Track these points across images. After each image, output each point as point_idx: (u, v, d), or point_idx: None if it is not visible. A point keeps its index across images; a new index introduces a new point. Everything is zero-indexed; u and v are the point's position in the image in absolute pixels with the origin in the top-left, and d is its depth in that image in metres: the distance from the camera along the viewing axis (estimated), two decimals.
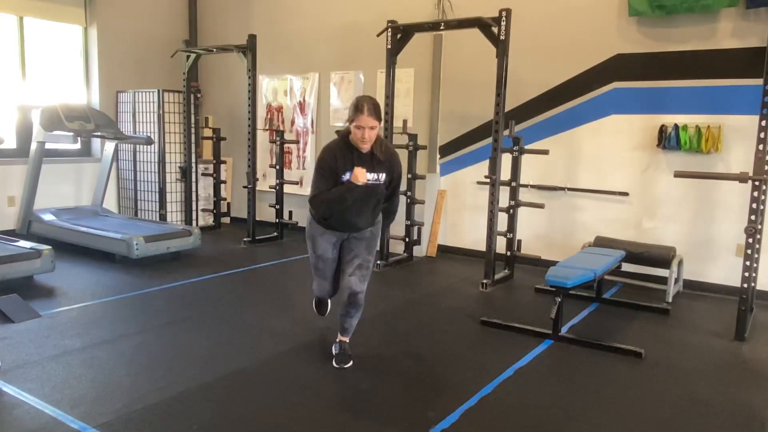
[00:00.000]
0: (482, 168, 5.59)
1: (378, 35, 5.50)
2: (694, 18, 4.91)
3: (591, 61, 5.40)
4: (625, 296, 4.84)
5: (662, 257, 4.86)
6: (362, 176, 3.03)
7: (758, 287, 4.47)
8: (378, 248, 3.51)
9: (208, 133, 7.45)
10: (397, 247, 5.99)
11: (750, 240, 3.81)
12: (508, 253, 5.36)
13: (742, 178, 3.78)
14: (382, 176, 3.19)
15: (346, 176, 3.08)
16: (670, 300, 4.68)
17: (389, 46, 5.47)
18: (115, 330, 3.80)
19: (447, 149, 6.28)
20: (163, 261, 5.62)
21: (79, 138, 6.31)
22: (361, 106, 3.03)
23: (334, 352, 3.39)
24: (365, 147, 3.09)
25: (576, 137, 5.55)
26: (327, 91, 7.03)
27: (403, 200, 5.86)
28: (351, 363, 3.33)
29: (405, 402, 2.93)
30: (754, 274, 4.01)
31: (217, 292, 4.78)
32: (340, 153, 3.11)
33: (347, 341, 3.41)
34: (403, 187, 5.84)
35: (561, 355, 3.61)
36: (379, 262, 5.63)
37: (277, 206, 6.86)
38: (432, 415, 2.78)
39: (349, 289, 3.25)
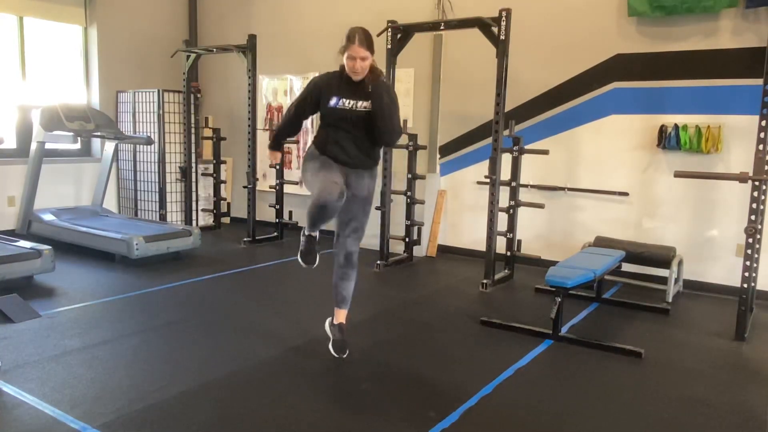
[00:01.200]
0: (482, 168, 5.59)
1: (378, 35, 5.44)
2: (694, 18, 4.91)
3: (591, 61, 5.40)
4: (625, 296, 4.84)
5: (662, 257, 4.86)
6: (275, 159, 3.59)
7: (758, 287, 4.47)
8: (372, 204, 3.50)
9: (208, 133, 7.45)
10: (397, 247, 5.99)
11: (750, 240, 3.81)
12: (508, 253, 5.36)
13: (742, 178, 3.78)
14: (362, 104, 3.18)
15: (332, 101, 3.18)
16: (670, 300, 4.68)
17: (389, 46, 5.47)
18: (115, 330, 3.80)
19: (447, 149, 6.28)
20: (163, 261, 5.62)
21: (79, 138, 6.32)
22: (352, 36, 3.09)
23: (331, 335, 3.39)
24: (357, 77, 3.16)
25: (576, 137, 5.55)
26: None
27: (403, 200, 5.87)
28: (347, 353, 3.34)
29: (405, 402, 2.93)
30: (754, 274, 4.01)
31: (217, 292, 4.78)
32: (331, 79, 3.23)
33: (344, 321, 3.43)
34: (403, 187, 5.87)
35: (561, 355, 3.61)
36: (379, 262, 5.63)
37: (277, 206, 6.86)
38: (432, 415, 2.78)
39: (345, 250, 3.36)
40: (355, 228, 3.37)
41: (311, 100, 3.26)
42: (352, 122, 3.21)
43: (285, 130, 3.48)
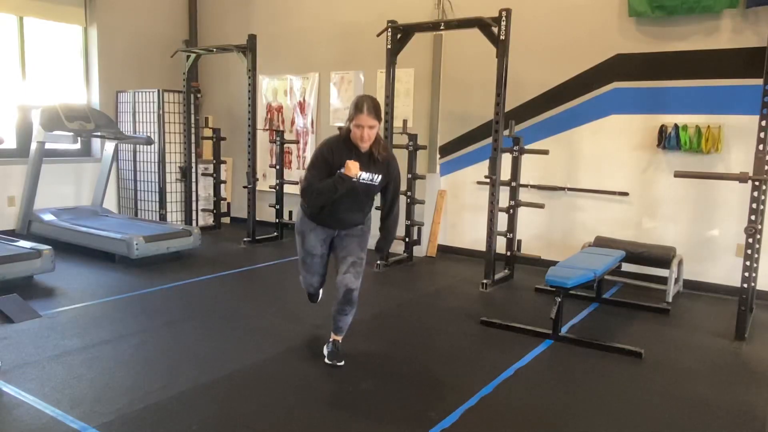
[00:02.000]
0: (482, 168, 5.59)
1: (378, 35, 5.50)
2: (694, 18, 4.91)
3: (591, 61, 5.40)
4: (625, 296, 4.84)
5: (662, 257, 4.86)
6: (355, 168, 3.02)
7: (758, 287, 4.48)
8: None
9: (208, 133, 7.45)
10: (397, 247, 5.99)
11: (750, 240, 3.81)
12: (508, 253, 5.36)
13: (742, 178, 3.78)
14: (378, 177, 3.18)
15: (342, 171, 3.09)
16: (670, 300, 4.68)
17: (389, 46, 5.47)
18: (115, 330, 3.80)
19: (447, 149, 6.28)
20: (163, 261, 5.62)
21: (79, 138, 6.32)
22: (360, 105, 3.04)
23: (325, 351, 3.39)
24: (364, 146, 3.10)
25: (576, 137, 5.55)
26: (327, 91, 7.03)
27: (403, 200, 5.87)
28: (343, 362, 3.33)
29: (405, 402, 2.93)
30: (754, 274, 4.01)
31: (217, 292, 4.78)
32: (338, 149, 3.12)
33: (340, 341, 3.41)
34: (403, 187, 5.86)
35: (561, 355, 3.61)
36: (378, 262, 5.63)
37: (277, 206, 6.86)
38: (432, 415, 2.78)
39: (344, 287, 3.24)
40: (353, 263, 3.28)
41: (326, 169, 3.09)
42: (355, 193, 3.16)
43: (323, 186, 3.10)
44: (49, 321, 3.93)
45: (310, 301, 3.85)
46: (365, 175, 3.13)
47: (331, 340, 3.41)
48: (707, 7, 4.73)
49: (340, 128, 3.53)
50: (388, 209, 3.35)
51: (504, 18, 4.76)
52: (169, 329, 3.86)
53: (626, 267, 5.05)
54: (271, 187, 7.00)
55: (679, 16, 4.94)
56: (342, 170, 3.05)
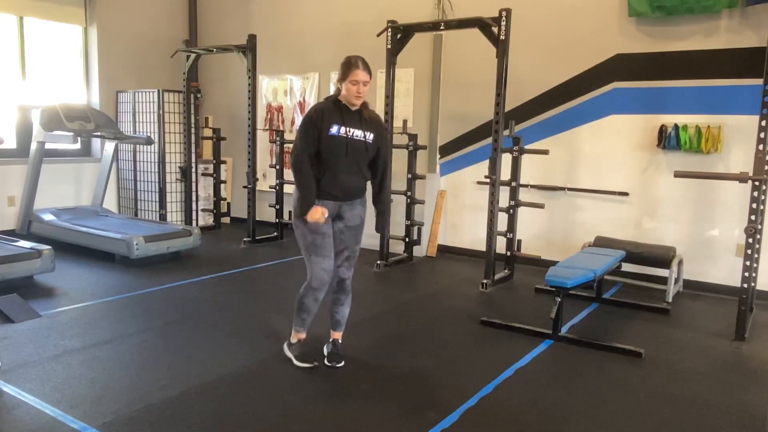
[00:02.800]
0: (482, 168, 5.59)
1: (378, 35, 5.50)
2: (694, 18, 4.91)
3: (591, 61, 5.40)
4: (625, 296, 4.84)
5: (662, 257, 4.86)
6: (320, 217, 3.06)
7: (758, 287, 4.48)
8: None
9: (208, 133, 7.45)
10: (397, 247, 5.99)
11: (750, 240, 3.81)
12: (508, 253, 5.36)
13: (742, 178, 3.78)
14: (371, 136, 3.20)
15: (333, 129, 3.08)
16: (670, 300, 4.68)
17: (389, 46, 5.47)
18: (115, 330, 3.80)
19: (447, 149, 6.28)
20: (163, 261, 5.62)
21: (79, 138, 6.32)
22: (355, 61, 3.15)
23: (325, 351, 3.39)
24: (358, 103, 3.14)
25: (576, 137, 5.55)
26: (327, 91, 7.03)
27: (403, 200, 5.88)
28: (343, 363, 3.32)
29: (405, 402, 2.93)
30: (754, 274, 4.01)
31: (217, 292, 4.78)
32: (327, 110, 3.13)
33: (340, 338, 3.41)
34: (403, 187, 5.87)
35: (561, 355, 3.61)
36: (378, 262, 5.63)
37: (277, 206, 6.86)
38: (432, 415, 2.78)
39: (337, 277, 3.29)
40: (347, 257, 3.30)
41: (315, 134, 3.07)
42: (351, 151, 3.14)
43: (304, 183, 3.09)
44: (49, 321, 3.93)
45: (316, 301, 3.28)
46: (358, 132, 3.15)
47: (330, 339, 3.42)
48: (707, 7, 4.73)
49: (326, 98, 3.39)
50: (380, 181, 3.33)
51: (504, 18, 4.76)
52: (169, 329, 3.86)
53: (626, 267, 5.04)
54: (271, 187, 7.00)
55: (679, 16, 4.94)
56: (336, 131, 3.08)
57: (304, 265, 3.23)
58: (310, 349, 3.41)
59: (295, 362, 3.32)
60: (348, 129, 3.12)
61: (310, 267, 3.20)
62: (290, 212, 6.81)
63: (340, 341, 3.42)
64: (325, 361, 3.34)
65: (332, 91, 6.63)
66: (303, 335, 3.39)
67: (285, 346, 3.45)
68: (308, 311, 3.29)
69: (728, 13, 4.78)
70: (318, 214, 3.07)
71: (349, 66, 3.13)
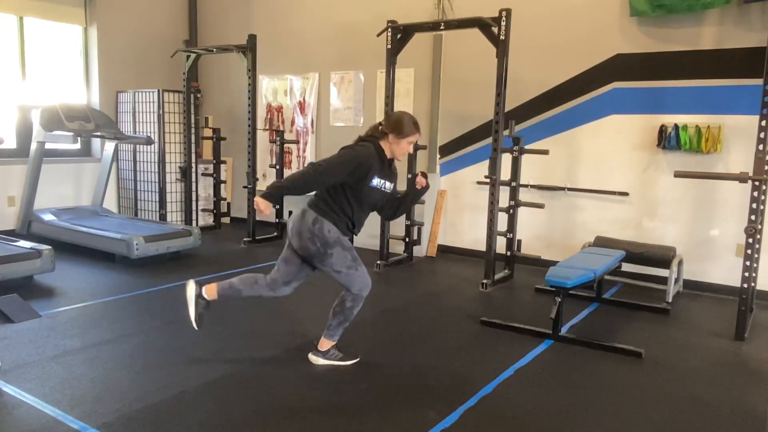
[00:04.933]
0: (482, 168, 5.59)
1: (378, 35, 5.50)
2: (694, 18, 4.91)
3: (591, 61, 5.40)
4: (625, 296, 4.84)
5: (662, 257, 4.86)
6: (266, 209, 3.02)
7: (758, 287, 4.48)
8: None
9: (208, 133, 7.45)
10: (397, 247, 5.99)
11: (750, 240, 3.81)
12: (508, 253, 5.36)
13: (742, 178, 3.78)
14: (392, 186, 3.32)
15: (375, 182, 3.14)
16: (670, 300, 4.68)
17: (389, 46, 5.47)
18: (115, 330, 3.80)
19: (447, 149, 6.28)
20: (163, 261, 5.62)
21: (79, 138, 6.31)
22: (417, 125, 3.28)
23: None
24: (400, 160, 3.31)
25: (576, 137, 5.55)
26: (327, 91, 7.03)
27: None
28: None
29: (405, 402, 2.93)
30: (754, 274, 4.01)
31: None
32: (375, 162, 3.15)
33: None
34: (403, 187, 5.86)
35: (561, 355, 3.61)
36: (378, 262, 5.63)
37: (277, 206, 6.86)
38: (432, 415, 2.78)
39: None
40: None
41: (351, 173, 3.05)
42: (379, 201, 3.27)
43: (300, 190, 3.07)
44: (49, 321, 3.93)
45: (355, 314, 3.35)
46: (389, 185, 3.26)
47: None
48: (706, 5, 4.72)
49: (362, 140, 3.31)
50: (395, 210, 3.48)
51: (504, 18, 4.76)
52: (169, 329, 3.86)
53: (626, 267, 5.04)
54: None
55: (679, 16, 4.93)
56: (376, 183, 3.14)
57: None
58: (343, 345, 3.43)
59: (343, 364, 3.33)
60: (383, 182, 3.20)
61: (358, 279, 3.21)
62: (290, 212, 6.87)
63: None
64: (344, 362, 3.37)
65: (335, 95, 6.59)
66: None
67: (317, 357, 3.37)
68: (351, 320, 3.34)
69: (728, 14, 4.78)
70: (264, 206, 2.99)
71: (413, 126, 3.25)
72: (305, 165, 3.18)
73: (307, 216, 3.14)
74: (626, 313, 4.44)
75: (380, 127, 3.23)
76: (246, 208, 6.85)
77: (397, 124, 3.20)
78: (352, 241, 3.41)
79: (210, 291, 3.36)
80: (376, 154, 3.15)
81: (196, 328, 3.36)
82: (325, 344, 3.37)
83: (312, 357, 3.39)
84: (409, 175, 5.77)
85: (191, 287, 3.37)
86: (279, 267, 3.32)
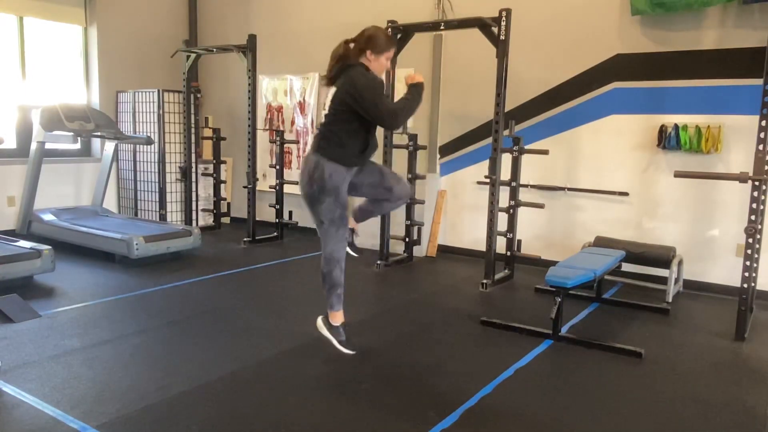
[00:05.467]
0: (482, 168, 5.59)
1: None
2: (694, 18, 4.91)
3: (591, 61, 5.40)
4: (625, 296, 4.84)
5: (662, 257, 4.86)
6: (419, 75, 3.16)
7: (758, 287, 4.48)
8: None
9: (208, 133, 7.45)
10: (397, 247, 5.99)
11: (750, 240, 3.81)
12: (508, 253, 5.36)
13: (742, 178, 3.78)
14: None
15: None
16: (670, 300, 4.68)
17: None
18: (115, 330, 3.80)
19: (447, 149, 6.28)
20: (163, 261, 5.62)
21: (79, 138, 6.32)
22: (391, 38, 3.20)
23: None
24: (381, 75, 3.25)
25: (576, 137, 5.55)
26: (327, 91, 7.02)
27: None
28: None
29: (405, 402, 2.93)
30: (754, 274, 4.01)
31: (217, 292, 4.78)
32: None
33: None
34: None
35: (561, 355, 3.61)
36: (378, 262, 5.63)
37: (277, 206, 6.86)
38: (432, 415, 2.78)
39: (407, 195, 3.43)
40: (392, 175, 3.41)
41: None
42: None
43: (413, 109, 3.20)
44: (49, 321, 3.93)
45: (342, 271, 3.36)
46: None
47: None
48: (706, 3, 4.71)
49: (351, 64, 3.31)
50: None
51: (504, 18, 4.76)
52: (169, 329, 3.86)
53: (626, 267, 5.04)
54: (271, 187, 7.00)
55: (679, 16, 4.93)
56: (411, 81, 3.15)
57: (304, 265, 3.24)
58: (314, 349, 3.41)
59: (338, 346, 3.34)
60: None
61: (334, 240, 3.23)
62: (290, 212, 6.87)
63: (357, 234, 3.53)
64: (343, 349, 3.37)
65: None
66: (342, 316, 3.38)
67: (323, 326, 3.39)
68: (340, 283, 3.32)
69: (728, 14, 4.78)
70: (419, 74, 3.18)
71: (388, 42, 3.17)
72: (382, 112, 3.06)
73: (309, 161, 3.21)
74: (626, 313, 4.44)
75: (352, 45, 3.17)
76: (246, 208, 6.85)
77: (371, 39, 3.14)
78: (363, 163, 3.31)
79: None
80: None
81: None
82: (331, 316, 3.38)
83: (319, 322, 3.42)
84: (409, 175, 5.78)
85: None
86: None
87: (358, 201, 3.57)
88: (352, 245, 3.49)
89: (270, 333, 3.83)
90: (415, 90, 3.14)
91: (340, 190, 3.18)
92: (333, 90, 3.21)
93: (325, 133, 3.20)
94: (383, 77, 3.22)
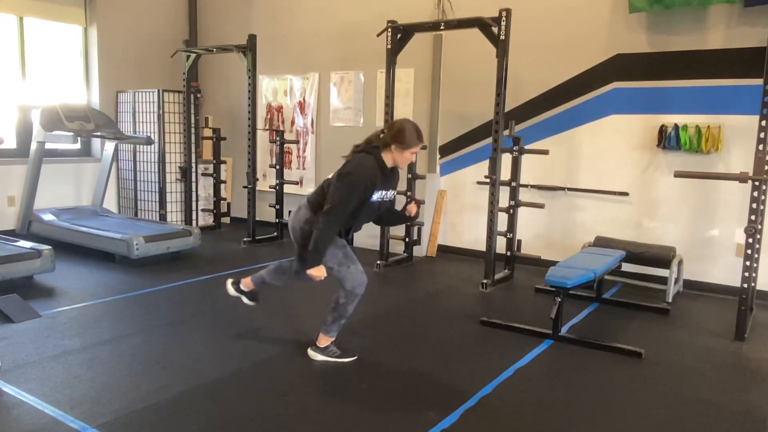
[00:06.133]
0: (482, 168, 5.59)
1: (378, 35, 5.50)
2: (694, 18, 4.91)
3: (591, 61, 5.40)
4: (625, 296, 4.84)
5: (662, 257, 4.86)
6: (322, 274, 3.14)
7: (758, 287, 4.48)
8: None
9: (208, 133, 7.45)
10: (397, 247, 5.99)
11: (750, 240, 3.81)
12: (508, 253, 5.36)
13: (742, 178, 3.78)
14: (393, 193, 3.33)
15: (376, 196, 3.15)
16: (670, 300, 4.68)
17: (389, 46, 5.47)
18: (115, 330, 3.80)
19: (447, 149, 6.28)
20: (163, 261, 5.62)
21: (79, 138, 6.31)
22: (419, 134, 3.22)
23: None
24: (404, 168, 3.29)
25: (576, 137, 5.55)
26: (327, 91, 7.03)
27: (403, 200, 5.87)
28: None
29: (405, 402, 2.93)
30: (754, 274, 4.01)
31: (217, 292, 4.76)
32: (376, 178, 3.13)
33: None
34: (402, 187, 5.87)
35: (561, 355, 3.61)
36: (378, 261, 5.63)
37: (277, 206, 6.86)
38: (432, 415, 2.78)
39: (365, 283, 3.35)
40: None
41: (360, 199, 3.11)
42: (378, 208, 3.28)
43: (332, 237, 3.17)
44: (49, 321, 3.93)
45: (349, 312, 3.38)
46: (390, 194, 3.28)
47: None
48: (705, 1, 4.71)
49: (359, 148, 3.28)
50: (380, 219, 3.48)
51: (504, 18, 4.76)
52: (169, 329, 3.86)
53: (626, 267, 5.04)
54: (271, 187, 7.00)
55: (679, 15, 4.93)
56: (378, 197, 3.17)
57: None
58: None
59: (340, 360, 3.36)
60: (384, 193, 3.22)
61: (350, 276, 3.24)
62: (290, 212, 6.85)
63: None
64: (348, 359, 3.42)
65: (335, 95, 6.57)
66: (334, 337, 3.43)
67: (315, 353, 3.41)
68: (348, 317, 3.36)
69: (728, 13, 4.78)
70: (322, 272, 3.14)
71: (414, 136, 3.19)
72: (319, 216, 3.09)
73: (301, 213, 3.26)
74: (626, 313, 4.44)
75: (382, 135, 3.19)
76: (246, 208, 6.85)
77: (399, 134, 3.15)
78: (350, 241, 3.40)
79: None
80: (377, 168, 3.13)
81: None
82: (322, 340, 3.40)
83: (311, 352, 3.42)
84: (409, 175, 5.78)
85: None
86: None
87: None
88: (249, 294, 3.69)
89: (270, 332, 3.83)
90: (313, 259, 3.12)
91: (340, 249, 3.25)
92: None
93: (314, 204, 3.23)
94: (403, 167, 3.32)
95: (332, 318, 3.34)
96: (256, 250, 6.33)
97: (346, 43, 6.77)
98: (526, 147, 5.26)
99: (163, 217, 7.03)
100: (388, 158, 3.19)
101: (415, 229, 5.92)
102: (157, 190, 7.07)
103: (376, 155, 3.15)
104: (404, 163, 3.24)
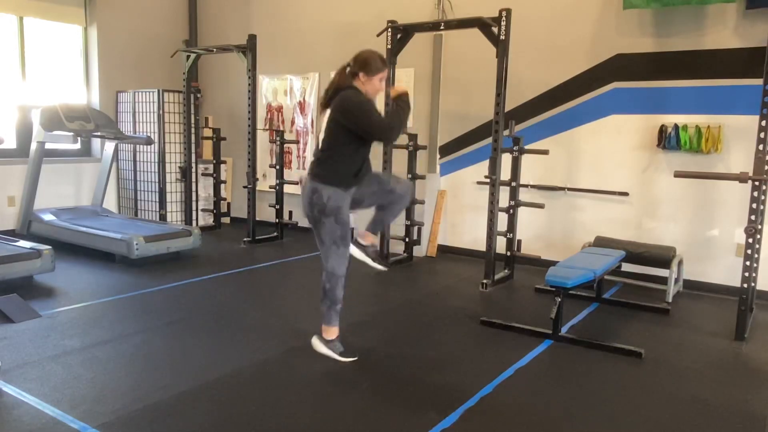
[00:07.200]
0: (482, 168, 5.59)
1: (378, 35, 5.50)
2: (694, 18, 4.91)
3: (591, 61, 5.40)
4: (625, 296, 4.84)
5: (662, 257, 4.86)
6: (402, 86, 3.24)
7: (758, 287, 4.47)
8: None
9: (208, 133, 7.45)
10: (397, 247, 5.99)
11: (750, 240, 3.81)
12: (508, 253, 5.36)
13: (742, 178, 3.78)
14: None
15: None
16: (670, 300, 4.68)
17: (389, 46, 5.47)
18: (115, 330, 3.80)
19: (447, 149, 6.28)
20: (163, 261, 5.62)
21: (79, 138, 6.32)
22: (384, 60, 3.27)
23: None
24: (375, 98, 3.30)
25: (576, 137, 5.55)
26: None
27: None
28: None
29: (405, 402, 2.93)
30: (754, 274, 4.01)
31: (217, 292, 4.78)
32: (365, 98, 3.23)
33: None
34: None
35: (561, 355, 3.61)
36: None
37: (277, 206, 6.86)
38: (432, 415, 2.78)
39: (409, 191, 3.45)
40: (389, 190, 3.39)
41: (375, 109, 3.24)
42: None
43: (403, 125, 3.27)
44: (49, 321, 3.93)
45: (343, 288, 3.36)
46: None
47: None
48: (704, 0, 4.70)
49: (345, 86, 3.35)
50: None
51: (504, 18, 4.76)
52: (169, 329, 3.86)
53: (626, 267, 5.05)
54: (271, 187, 7.00)
55: (678, 15, 4.93)
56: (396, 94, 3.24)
57: (304, 265, 3.23)
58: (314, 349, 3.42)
59: (340, 359, 3.35)
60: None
61: (335, 258, 3.27)
62: (290, 213, 6.88)
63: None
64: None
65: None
66: (338, 330, 3.41)
67: (319, 344, 3.42)
68: (340, 299, 3.35)
69: (728, 13, 4.78)
70: (402, 86, 3.26)
71: (381, 63, 3.24)
72: (376, 127, 3.14)
73: (307, 185, 3.29)
74: (626, 313, 4.44)
75: (348, 69, 3.25)
76: (246, 208, 6.85)
77: (365, 62, 3.22)
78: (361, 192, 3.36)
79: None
80: (362, 95, 3.21)
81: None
82: (327, 332, 3.40)
83: (315, 341, 3.43)
84: (409, 175, 5.78)
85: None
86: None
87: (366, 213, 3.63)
88: (378, 258, 3.56)
89: (270, 332, 3.83)
90: (401, 101, 3.22)
91: (340, 210, 3.23)
92: (327, 114, 3.24)
93: (320, 157, 3.27)
94: (375, 97, 3.27)
95: (325, 306, 3.35)
96: (256, 250, 6.33)
97: (346, 43, 6.75)
98: (526, 147, 5.25)
99: (163, 217, 7.03)
100: (366, 91, 3.24)
101: (415, 229, 5.92)
102: (157, 190, 7.08)
103: (354, 88, 3.21)
104: (375, 93, 3.25)
